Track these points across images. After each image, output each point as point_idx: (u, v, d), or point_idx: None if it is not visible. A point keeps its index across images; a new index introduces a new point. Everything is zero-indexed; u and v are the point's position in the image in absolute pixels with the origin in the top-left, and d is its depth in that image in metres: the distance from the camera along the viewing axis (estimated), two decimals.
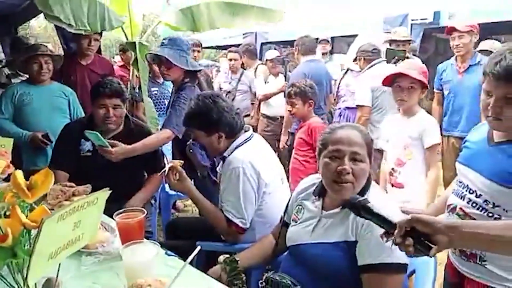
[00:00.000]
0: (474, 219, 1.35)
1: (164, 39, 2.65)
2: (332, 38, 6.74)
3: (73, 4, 2.87)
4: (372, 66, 3.64)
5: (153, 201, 2.68)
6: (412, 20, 5.17)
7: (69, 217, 0.86)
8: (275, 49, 5.65)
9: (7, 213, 0.86)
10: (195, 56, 4.33)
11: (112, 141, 2.19)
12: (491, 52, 3.79)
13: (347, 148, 1.35)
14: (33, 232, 0.86)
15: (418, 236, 0.99)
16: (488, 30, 6.41)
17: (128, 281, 1.15)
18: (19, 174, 0.86)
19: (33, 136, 2.82)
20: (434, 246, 0.98)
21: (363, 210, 1.10)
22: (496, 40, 5.22)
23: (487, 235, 1.00)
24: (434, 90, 3.73)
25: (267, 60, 4.71)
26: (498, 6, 4.76)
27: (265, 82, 4.70)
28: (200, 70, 2.74)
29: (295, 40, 4.20)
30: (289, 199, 1.69)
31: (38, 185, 0.86)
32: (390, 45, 3.91)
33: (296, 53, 4.07)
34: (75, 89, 3.14)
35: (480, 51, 3.70)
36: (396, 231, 1.01)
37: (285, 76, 4.66)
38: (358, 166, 1.35)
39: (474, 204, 1.36)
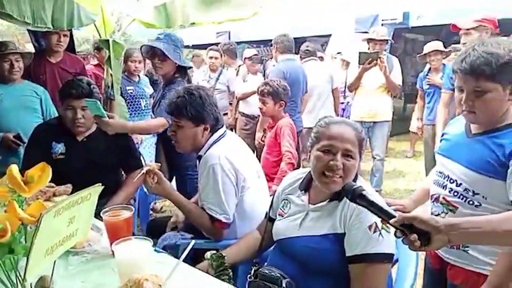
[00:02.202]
0: (456, 207, 1.42)
1: (159, 34, 2.72)
2: (304, 38, 6.86)
3: (33, 0, 2.73)
4: (304, 62, 4.49)
5: (132, 201, 2.63)
6: (383, 20, 5.31)
7: (65, 212, 0.84)
8: (248, 47, 5.67)
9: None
10: None
11: (109, 113, 2.27)
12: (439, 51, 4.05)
13: (340, 144, 1.37)
14: (28, 228, 0.83)
15: (417, 232, 1.02)
16: (453, 31, 6.69)
17: (121, 278, 1.13)
18: (15, 168, 0.84)
19: (4, 137, 2.72)
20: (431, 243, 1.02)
21: (360, 198, 1.13)
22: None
23: (490, 231, 1.05)
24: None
25: (245, 58, 4.70)
26: (464, 7, 4.96)
27: (244, 81, 4.70)
28: (190, 67, 2.84)
29: (268, 40, 4.27)
30: (273, 195, 1.71)
31: (35, 179, 0.83)
32: (368, 43, 4.00)
33: (274, 51, 4.11)
34: (45, 89, 3.05)
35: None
36: (393, 220, 1.05)
37: (263, 75, 4.68)
38: (350, 162, 1.38)
39: (455, 193, 1.42)
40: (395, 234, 1.06)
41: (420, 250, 1.07)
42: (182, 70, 2.71)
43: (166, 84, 2.72)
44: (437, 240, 1.02)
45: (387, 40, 4.09)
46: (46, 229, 0.77)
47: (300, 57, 4.63)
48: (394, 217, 1.06)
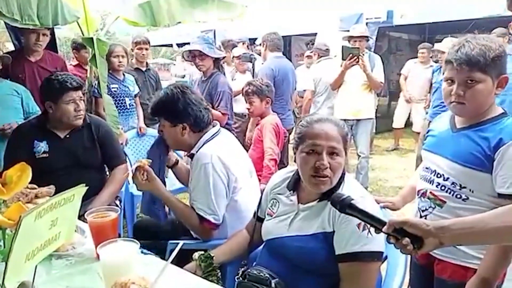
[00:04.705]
0: (444, 202, 1.43)
1: (197, 37, 3.31)
2: (289, 36, 6.89)
3: None
4: (321, 61, 4.67)
5: (117, 202, 2.59)
6: (367, 19, 5.36)
7: (47, 215, 0.81)
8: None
9: None
10: (143, 54, 4.07)
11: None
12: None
13: (325, 143, 1.35)
14: (8, 231, 0.80)
15: (408, 236, 1.01)
16: (435, 30, 6.81)
17: (107, 281, 1.09)
18: None
19: None
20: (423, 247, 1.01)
21: (349, 208, 1.12)
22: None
23: (482, 229, 1.03)
24: None
25: (233, 57, 4.66)
26: (445, 6, 5.05)
27: (232, 79, 4.65)
28: (224, 57, 3.50)
29: (254, 38, 4.25)
30: (261, 194, 1.69)
31: (13, 180, 0.80)
32: (349, 41, 4.02)
33: (263, 49, 4.10)
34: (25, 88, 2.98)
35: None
36: (385, 227, 1.03)
37: (252, 74, 4.64)
38: (335, 160, 1.36)
39: (442, 187, 1.43)
40: (387, 240, 1.05)
41: (412, 254, 1.05)
42: (217, 63, 3.22)
43: (207, 78, 3.18)
44: (428, 243, 1.01)
45: (367, 36, 4.10)
46: (26, 233, 0.74)
47: (318, 55, 4.73)
48: (385, 223, 1.04)
